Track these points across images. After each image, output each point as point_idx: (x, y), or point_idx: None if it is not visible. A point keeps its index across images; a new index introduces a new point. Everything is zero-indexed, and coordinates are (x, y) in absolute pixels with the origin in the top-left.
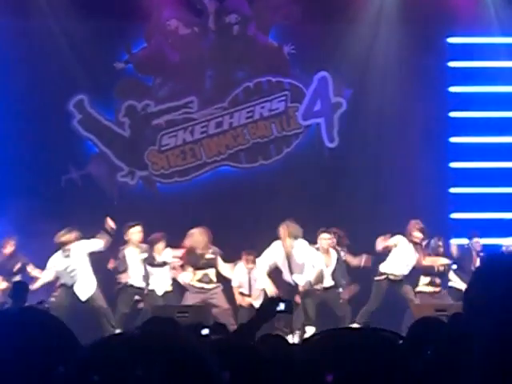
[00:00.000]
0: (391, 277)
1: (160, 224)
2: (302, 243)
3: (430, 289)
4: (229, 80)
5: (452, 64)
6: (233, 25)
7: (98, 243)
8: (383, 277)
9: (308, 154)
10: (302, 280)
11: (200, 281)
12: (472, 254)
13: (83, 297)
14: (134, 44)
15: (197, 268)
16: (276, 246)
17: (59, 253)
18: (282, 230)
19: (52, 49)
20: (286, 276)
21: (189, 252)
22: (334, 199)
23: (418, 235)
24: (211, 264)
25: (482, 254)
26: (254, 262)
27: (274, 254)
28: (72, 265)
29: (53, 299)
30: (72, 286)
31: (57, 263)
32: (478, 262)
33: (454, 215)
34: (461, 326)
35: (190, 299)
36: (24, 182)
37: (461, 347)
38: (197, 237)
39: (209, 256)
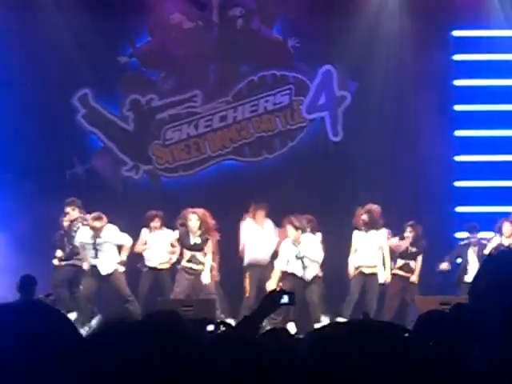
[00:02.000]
0: (363, 269)
1: (165, 218)
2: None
3: (402, 273)
4: (233, 74)
5: (457, 57)
6: (237, 18)
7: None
8: (357, 271)
9: (312, 148)
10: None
11: (189, 261)
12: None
13: (104, 271)
14: (138, 38)
15: (186, 248)
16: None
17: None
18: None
19: (56, 43)
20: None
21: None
22: (338, 192)
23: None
24: (199, 247)
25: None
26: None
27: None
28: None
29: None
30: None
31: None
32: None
33: (459, 209)
34: (465, 318)
35: (180, 280)
36: (29, 176)
37: (463, 338)
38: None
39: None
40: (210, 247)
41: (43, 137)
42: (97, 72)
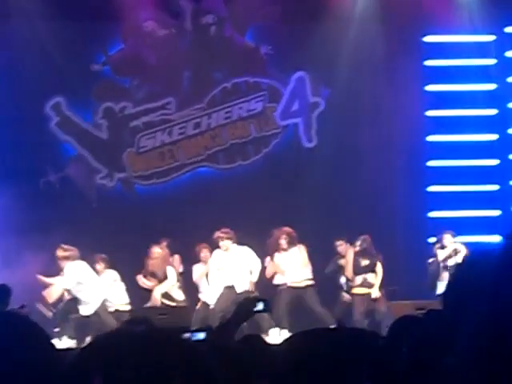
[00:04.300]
0: (292, 284)
1: (139, 226)
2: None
3: (364, 290)
4: (206, 81)
5: (428, 63)
6: (209, 25)
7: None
8: (284, 286)
9: (286, 154)
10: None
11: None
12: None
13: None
14: (111, 45)
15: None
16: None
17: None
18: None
19: (28, 51)
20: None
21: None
22: (312, 199)
23: (282, 243)
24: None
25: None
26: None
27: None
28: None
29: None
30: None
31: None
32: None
33: (432, 214)
34: (439, 323)
35: None
36: (2, 185)
37: (437, 343)
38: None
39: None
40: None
41: (16, 145)
42: (70, 80)
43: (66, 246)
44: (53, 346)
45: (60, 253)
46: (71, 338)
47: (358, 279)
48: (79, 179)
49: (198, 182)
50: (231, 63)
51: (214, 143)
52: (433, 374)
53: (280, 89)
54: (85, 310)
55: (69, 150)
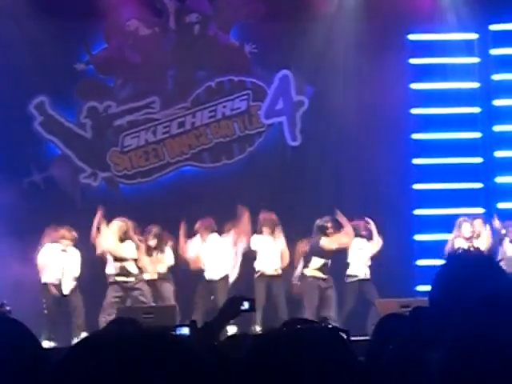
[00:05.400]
0: (267, 272)
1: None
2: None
3: (319, 274)
4: (190, 80)
5: (413, 61)
6: (193, 24)
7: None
8: (258, 273)
9: (271, 153)
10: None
11: (119, 275)
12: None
13: (66, 291)
14: (95, 45)
15: (115, 260)
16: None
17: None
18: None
19: (11, 50)
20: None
21: None
22: (297, 198)
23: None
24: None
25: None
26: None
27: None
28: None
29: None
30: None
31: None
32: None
33: (417, 211)
34: (424, 321)
35: (111, 294)
36: None
37: (422, 341)
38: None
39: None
40: None
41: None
42: (53, 79)
43: None
44: (39, 344)
45: None
46: None
47: (319, 262)
48: (63, 179)
49: (182, 181)
50: (215, 62)
51: (199, 142)
52: (418, 371)
53: (264, 87)
54: None
55: (53, 150)
